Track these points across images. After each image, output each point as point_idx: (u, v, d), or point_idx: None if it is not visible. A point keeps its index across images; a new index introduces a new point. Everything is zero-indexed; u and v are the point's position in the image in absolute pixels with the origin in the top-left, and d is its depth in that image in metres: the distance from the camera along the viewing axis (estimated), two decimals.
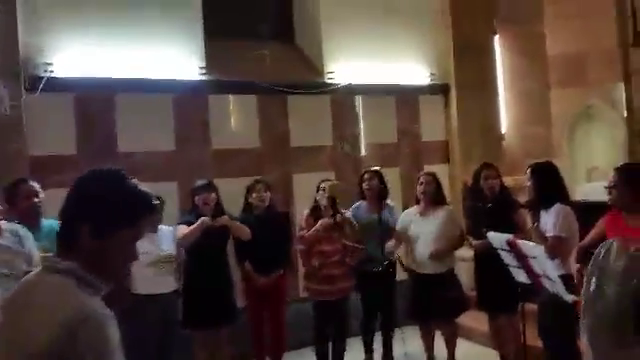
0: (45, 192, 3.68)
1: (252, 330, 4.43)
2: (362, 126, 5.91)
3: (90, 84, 4.73)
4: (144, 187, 1.46)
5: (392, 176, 5.89)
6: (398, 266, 4.56)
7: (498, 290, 4.08)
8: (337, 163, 5.72)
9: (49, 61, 4.57)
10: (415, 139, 6.20)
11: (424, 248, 4.28)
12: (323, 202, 4.30)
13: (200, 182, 4.29)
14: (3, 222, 3.09)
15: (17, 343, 1.29)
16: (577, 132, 5.64)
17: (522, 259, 3.23)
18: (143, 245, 3.85)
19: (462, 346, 4.57)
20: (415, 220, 4.39)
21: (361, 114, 5.91)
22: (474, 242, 4.21)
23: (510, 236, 3.35)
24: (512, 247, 3.27)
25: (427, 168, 6.02)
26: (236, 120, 5.35)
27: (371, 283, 4.45)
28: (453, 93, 6.29)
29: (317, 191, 4.40)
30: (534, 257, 3.12)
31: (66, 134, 4.64)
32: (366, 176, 4.66)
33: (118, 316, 1.39)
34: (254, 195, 4.42)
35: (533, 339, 3.64)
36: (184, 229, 4.04)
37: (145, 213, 1.44)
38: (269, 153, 5.46)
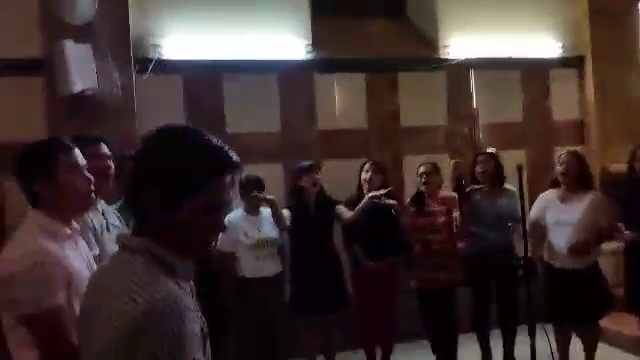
0: None
1: (360, 318, 4.14)
2: (482, 104, 5.34)
3: (198, 66, 4.69)
4: (220, 143, 1.17)
5: (516, 159, 5.29)
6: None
7: None
8: (452, 144, 5.21)
9: (158, 43, 4.58)
10: (544, 117, 5.51)
11: (564, 239, 3.67)
12: (421, 188, 4.05)
13: (305, 162, 4.05)
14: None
15: (87, 339, 1.14)
16: None
17: None
18: (246, 228, 3.79)
19: (603, 352, 3.90)
20: (554, 206, 3.79)
21: (481, 90, 5.35)
22: (627, 233, 3.53)
23: None
24: None
25: (559, 150, 5.32)
26: (343, 99, 5.06)
27: (484, 275, 4.02)
28: (589, 65, 5.50)
29: (420, 178, 4.07)
30: None
31: (175, 115, 4.61)
32: (480, 158, 4.15)
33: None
34: (362, 175, 4.11)
35: None
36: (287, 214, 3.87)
37: (217, 174, 1.14)
38: (378, 133, 5.11)
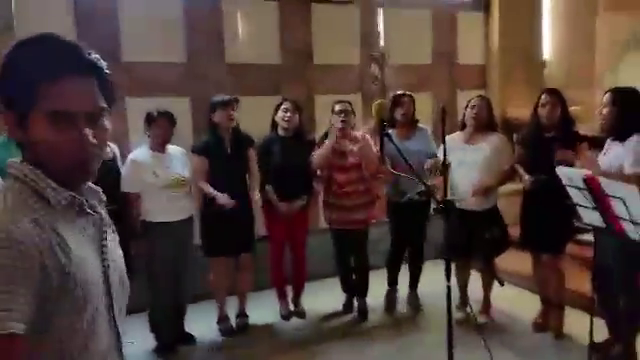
0: None
1: (272, 259, 4.11)
2: (391, 44, 5.29)
3: None
4: (68, 43, 1.02)
5: (423, 102, 5.37)
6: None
7: (545, 229, 3.70)
8: (364, 85, 5.16)
9: None
10: (450, 61, 5.60)
11: (468, 179, 3.82)
12: (338, 126, 3.91)
13: (220, 97, 3.75)
14: None
15: None
16: (623, 62, 5.07)
17: (601, 199, 2.75)
18: (153, 167, 3.49)
19: (498, 287, 4.21)
20: (459, 147, 3.89)
21: (390, 30, 5.28)
22: (526, 177, 3.73)
23: (587, 172, 2.86)
24: (590, 184, 2.78)
25: (462, 94, 5.49)
26: (254, 30, 4.74)
27: (401, 214, 4.14)
28: (495, 10, 5.63)
29: (332, 113, 3.99)
30: (619, 197, 2.64)
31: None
32: (402, 100, 4.14)
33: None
34: (279, 114, 3.93)
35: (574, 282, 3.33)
36: (198, 163, 3.66)
37: (53, 75, 0.99)
38: (290, 70, 4.89)
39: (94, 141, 1.03)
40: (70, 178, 1.05)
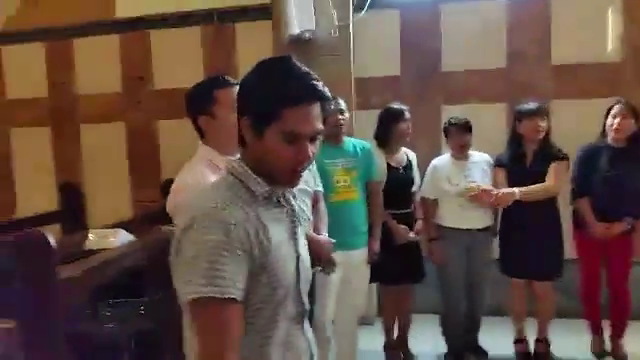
0: (364, 113, 4.13)
1: (582, 287, 3.56)
2: None
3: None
4: (303, 74, 1.21)
5: None
6: None
7: None
8: None
9: None
10: None
11: None
12: None
13: (527, 105, 3.43)
14: None
15: None
16: None
17: None
18: (450, 174, 3.49)
19: None
20: None
21: None
22: None
23: None
24: None
25: None
26: (587, 25, 4.18)
27: None
28: None
29: None
30: None
31: (389, 54, 4.49)
32: None
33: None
34: (608, 120, 3.36)
35: None
36: (498, 175, 3.45)
37: (291, 103, 1.19)
38: (632, 68, 4.13)
39: (311, 157, 1.23)
40: (280, 180, 1.26)
